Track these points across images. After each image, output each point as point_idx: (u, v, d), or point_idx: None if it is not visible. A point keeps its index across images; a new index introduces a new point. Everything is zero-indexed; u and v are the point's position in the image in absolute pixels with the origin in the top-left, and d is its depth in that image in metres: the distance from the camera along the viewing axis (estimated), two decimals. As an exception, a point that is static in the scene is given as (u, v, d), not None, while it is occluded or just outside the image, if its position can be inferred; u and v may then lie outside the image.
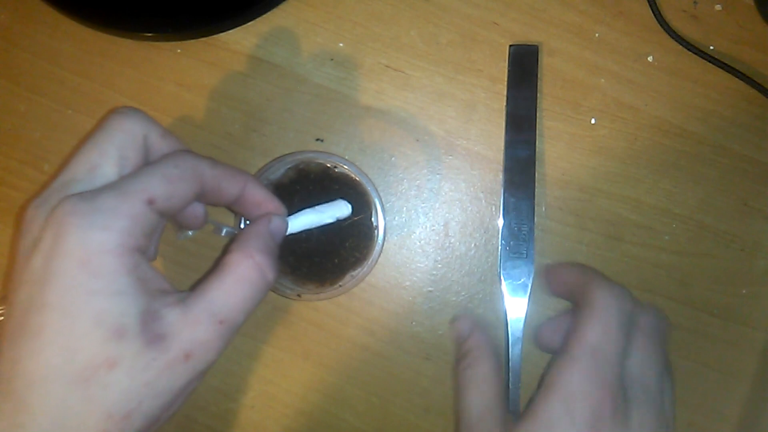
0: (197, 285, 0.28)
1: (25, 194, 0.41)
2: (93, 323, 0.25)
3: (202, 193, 0.31)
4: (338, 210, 0.36)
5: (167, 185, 0.28)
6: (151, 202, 0.27)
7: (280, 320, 0.40)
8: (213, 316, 0.27)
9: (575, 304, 0.34)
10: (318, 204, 0.36)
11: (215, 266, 0.29)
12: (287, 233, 0.34)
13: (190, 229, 0.35)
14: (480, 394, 0.34)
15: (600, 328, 0.31)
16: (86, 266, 0.25)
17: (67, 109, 0.41)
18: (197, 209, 0.34)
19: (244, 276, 0.29)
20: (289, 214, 0.35)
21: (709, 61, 0.40)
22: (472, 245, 0.40)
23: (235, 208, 0.34)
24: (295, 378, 0.40)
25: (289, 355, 0.40)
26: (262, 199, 0.33)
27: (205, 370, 0.28)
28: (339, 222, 0.36)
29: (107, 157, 0.29)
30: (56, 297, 0.25)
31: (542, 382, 0.32)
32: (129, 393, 0.25)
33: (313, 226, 0.35)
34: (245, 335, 0.40)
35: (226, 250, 0.30)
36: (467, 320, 0.38)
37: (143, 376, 0.26)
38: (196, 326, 0.27)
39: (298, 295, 0.37)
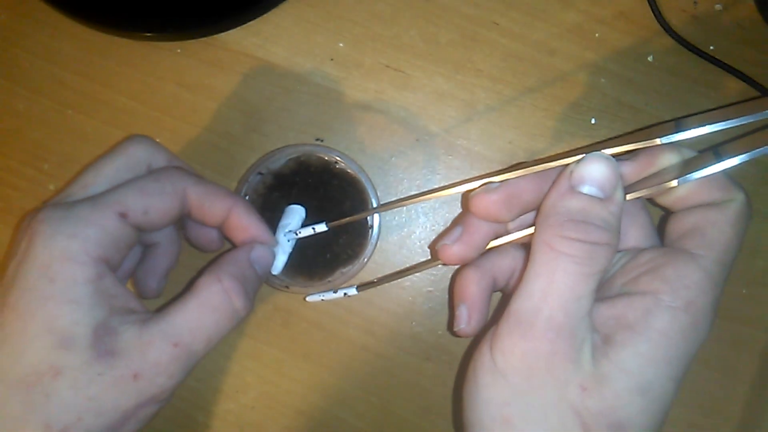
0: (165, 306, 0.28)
1: (25, 194, 0.40)
2: (43, 329, 0.25)
3: (187, 211, 0.31)
4: (297, 215, 0.36)
5: (143, 198, 0.28)
6: (123, 215, 0.27)
7: (280, 320, 0.40)
8: (168, 338, 0.26)
9: None
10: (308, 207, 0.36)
11: (187, 288, 0.29)
12: (280, 268, 0.34)
13: (205, 251, 0.36)
14: (576, 298, 0.25)
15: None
16: (46, 271, 0.25)
17: (67, 109, 0.41)
18: (210, 233, 0.33)
19: (207, 300, 0.28)
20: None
21: (709, 61, 0.40)
22: (472, 245, 0.40)
23: (224, 233, 0.33)
24: (295, 378, 0.40)
25: (289, 356, 0.40)
26: (248, 224, 0.32)
27: (160, 395, 0.27)
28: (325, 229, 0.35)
29: (101, 176, 0.29)
30: (15, 299, 0.25)
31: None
32: (70, 405, 0.25)
33: (294, 242, 0.35)
34: (245, 335, 0.40)
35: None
36: (609, 168, 0.26)
37: (87, 390, 0.25)
38: (149, 347, 0.26)
39: (287, 287, 0.37)
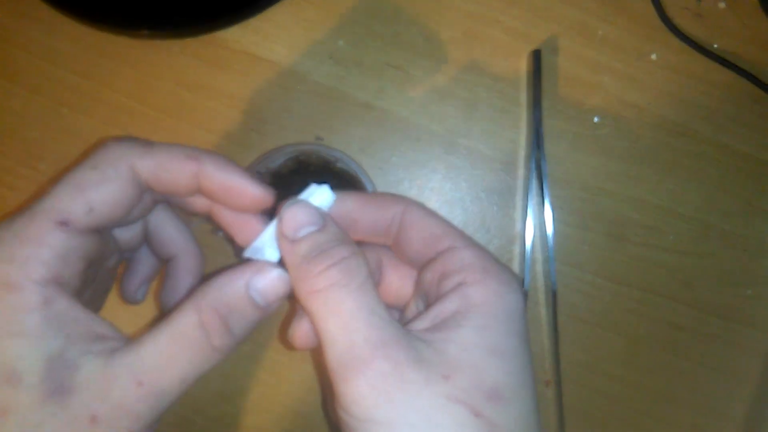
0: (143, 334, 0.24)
1: (21, 194, 0.40)
2: None
3: (147, 189, 0.26)
4: (319, 199, 0.26)
5: (81, 195, 0.24)
6: (64, 224, 0.23)
7: (279, 323, 0.40)
8: (133, 376, 0.23)
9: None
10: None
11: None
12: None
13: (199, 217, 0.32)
14: (370, 310, 0.23)
15: None
16: None
17: (64, 108, 0.40)
18: (200, 200, 0.28)
19: (181, 333, 0.24)
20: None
21: (713, 60, 0.39)
22: (474, 245, 0.40)
23: (214, 204, 0.28)
24: (293, 380, 0.40)
25: (288, 358, 0.40)
26: (225, 182, 0.26)
27: None
28: None
29: None
30: None
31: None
32: None
33: None
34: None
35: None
36: (308, 206, 0.25)
37: None
38: (111, 384, 0.22)
39: None
